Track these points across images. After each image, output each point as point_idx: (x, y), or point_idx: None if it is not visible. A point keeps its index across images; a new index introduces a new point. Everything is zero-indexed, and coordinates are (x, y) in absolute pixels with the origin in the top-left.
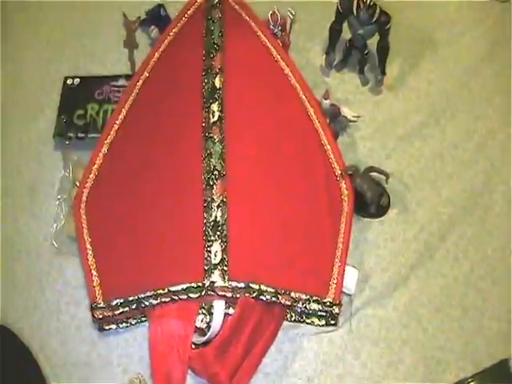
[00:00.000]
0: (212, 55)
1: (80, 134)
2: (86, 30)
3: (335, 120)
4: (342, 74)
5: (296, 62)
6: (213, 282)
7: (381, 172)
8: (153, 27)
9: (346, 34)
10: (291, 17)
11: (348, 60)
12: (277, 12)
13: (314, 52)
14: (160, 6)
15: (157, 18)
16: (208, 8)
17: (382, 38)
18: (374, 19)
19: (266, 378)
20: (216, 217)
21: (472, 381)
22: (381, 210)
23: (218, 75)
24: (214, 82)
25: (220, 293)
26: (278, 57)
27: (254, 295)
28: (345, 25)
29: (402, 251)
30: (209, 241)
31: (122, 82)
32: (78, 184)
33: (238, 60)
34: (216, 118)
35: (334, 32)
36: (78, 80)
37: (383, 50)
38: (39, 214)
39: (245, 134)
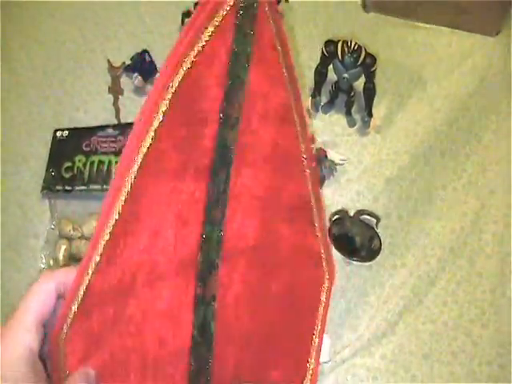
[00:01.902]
0: None
1: (67, 187)
2: (70, 75)
3: (321, 165)
4: (328, 116)
5: None
6: None
7: (371, 215)
8: (136, 74)
9: (332, 75)
10: None
11: (335, 102)
12: None
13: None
14: (145, 51)
15: (141, 64)
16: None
17: (368, 80)
18: (359, 62)
19: None
20: None
21: None
22: (372, 254)
23: None
24: None
25: None
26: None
27: None
28: (331, 66)
29: (390, 297)
30: None
31: (109, 131)
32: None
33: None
34: None
35: (320, 75)
36: (67, 132)
37: (369, 92)
38: (23, 268)
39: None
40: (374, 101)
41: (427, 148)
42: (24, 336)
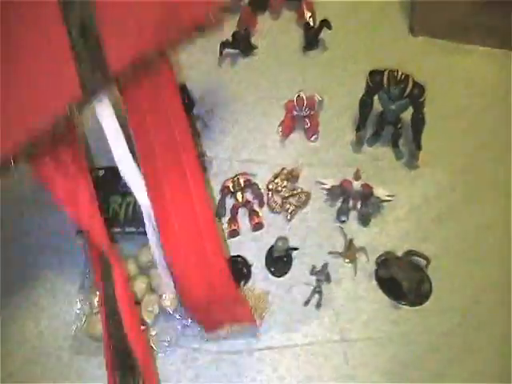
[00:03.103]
0: None
1: None
2: None
3: (367, 202)
4: (374, 149)
5: (325, 138)
6: None
7: (420, 256)
8: None
9: (378, 105)
10: (318, 100)
11: (380, 134)
12: (302, 95)
13: (343, 128)
14: (183, 86)
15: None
16: None
17: (416, 111)
18: (406, 94)
19: None
20: None
21: None
22: (421, 298)
23: None
24: None
25: None
26: None
27: None
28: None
29: (440, 346)
30: None
31: None
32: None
33: None
34: None
35: (365, 106)
36: (103, 171)
37: (418, 123)
38: (60, 314)
39: None
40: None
41: (478, 184)
42: None
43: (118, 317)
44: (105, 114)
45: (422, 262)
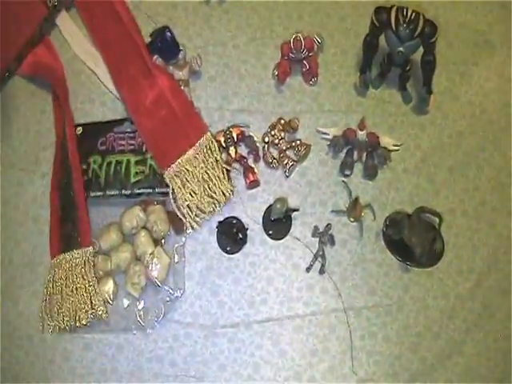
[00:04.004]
0: None
1: None
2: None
3: (373, 153)
4: (380, 92)
5: (326, 82)
6: None
7: (433, 213)
8: (156, 57)
9: (384, 45)
10: (318, 42)
11: (387, 76)
12: (300, 36)
13: (346, 69)
14: (165, 28)
15: (161, 42)
16: None
17: (427, 51)
18: (417, 33)
19: None
20: None
21: None
22: (433, 258)
23: None
24: None
25: None
26: None
27: None
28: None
29: (457, 310)
30: None
31: (127, 126)
32: None
33: None
34: None
35: (369, 47)
36: (81, 129)
37: (428, 65)
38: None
39: None
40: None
41: (497, 127)
42: None
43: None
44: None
45: (434, 219)
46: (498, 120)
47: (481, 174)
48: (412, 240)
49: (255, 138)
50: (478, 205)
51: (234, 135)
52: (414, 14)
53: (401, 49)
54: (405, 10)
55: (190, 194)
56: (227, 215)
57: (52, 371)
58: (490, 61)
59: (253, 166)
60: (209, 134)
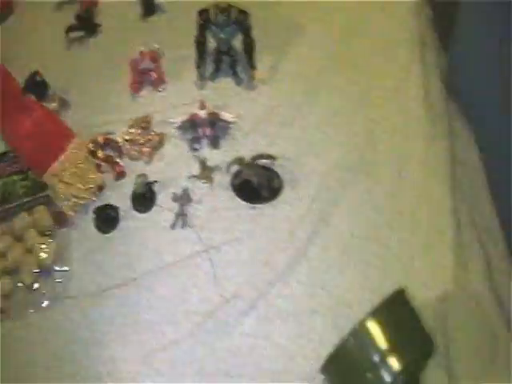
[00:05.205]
0: None
1: None
2: None
3: (215, 127)
4: (217, 83)
5: (172, 85)
6: None
7: (267, 157)
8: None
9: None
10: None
11: (220, 67)
12: (143, 49)
13: (186, 71)
14: (35, 73)
15: (33, 84)
16: None
17: (246, 34)
18: (232, 20)
19: None
20: None
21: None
22: (274, 193)
23: None
24: None
25: None
26: None
27: None
28: None
29: (299, 226)
30: None
31: (10, 156)
32: None
33: None
34: None
35: (199, 43)
36: None
37: (249, 45)
38: None
39: None
40: (257, 57)
41: (317, 87)
42: None
43: None
44: None
45: (271, 163)
46: (315, 78)
47: (307, 123)
48: (250, 175)
49: (119, 140)
50: (304, 148)
51: (100, 140)
52: (227, 6)
53: (221, 35)
54: (220, 5)
55: (66, 186)
56: (101, 204)
57: None
58: (302, 38)
59: (118, 160)
60: (76, 139)
